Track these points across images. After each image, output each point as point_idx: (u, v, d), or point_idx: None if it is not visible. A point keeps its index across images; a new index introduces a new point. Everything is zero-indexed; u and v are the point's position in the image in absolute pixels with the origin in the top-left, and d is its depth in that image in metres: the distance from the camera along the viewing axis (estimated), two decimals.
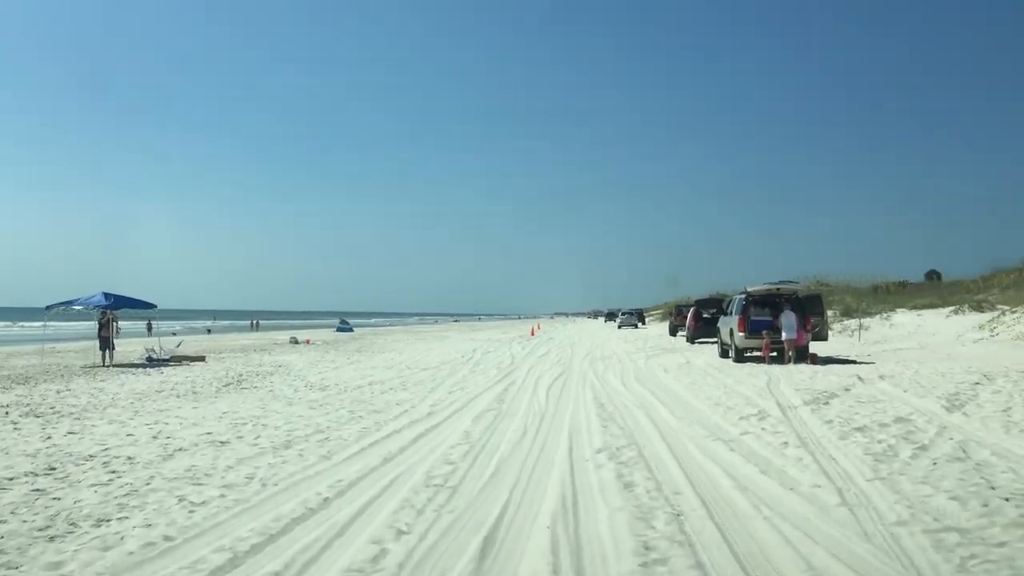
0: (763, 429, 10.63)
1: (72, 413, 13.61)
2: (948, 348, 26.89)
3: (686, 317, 39.55)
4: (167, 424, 12.04)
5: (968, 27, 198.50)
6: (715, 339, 28.80)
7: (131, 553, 5.64)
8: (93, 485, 7.83)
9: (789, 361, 22.32)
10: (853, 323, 37.29)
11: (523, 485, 7.62)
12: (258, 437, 10.63)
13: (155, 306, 30.30)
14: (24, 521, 6.49)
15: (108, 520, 6.51)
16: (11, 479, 8.12)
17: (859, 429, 10.33)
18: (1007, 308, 30.49)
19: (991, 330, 28.48)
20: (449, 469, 8.39)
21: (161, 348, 28.95)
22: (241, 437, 10.65)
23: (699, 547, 5.58)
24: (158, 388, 17.91)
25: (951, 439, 9.40)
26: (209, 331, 76.90)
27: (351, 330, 73.81)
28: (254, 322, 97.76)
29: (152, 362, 26.80)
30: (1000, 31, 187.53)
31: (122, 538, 6.00)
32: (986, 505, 6.34)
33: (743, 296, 24.67)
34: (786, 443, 9.53)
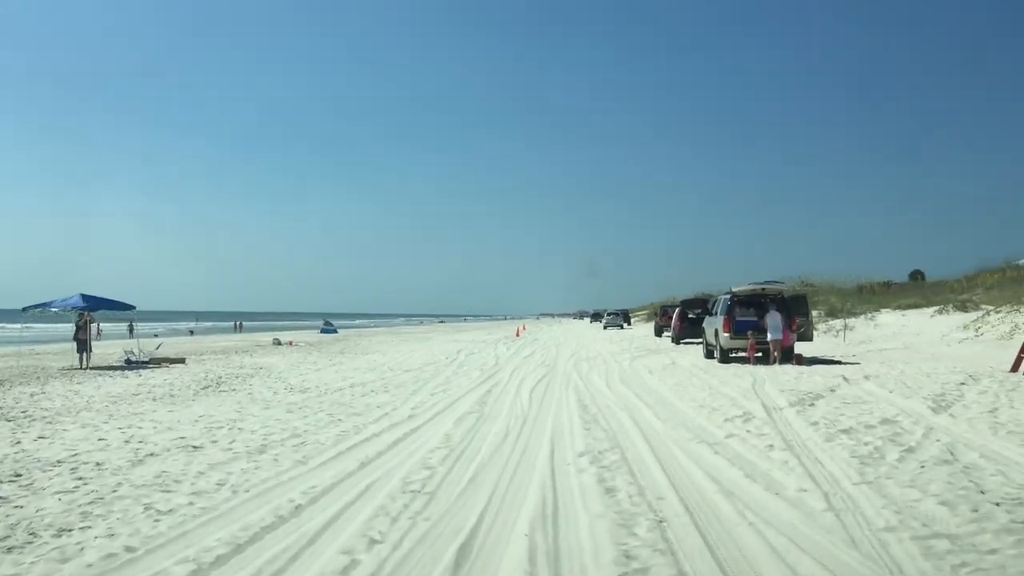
0: (748, 431, 10.47)
1: (45, 417, 13.31)
2: (933, 348, 26.90)
3: (671, 318, 39.45)
4: (140, 428, 11.77)
5: (966, 27, 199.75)
6: (700, 340, 28.70)
7: (90, 566, 5.40)
8: (58, 492, 7.56)
9: (774, 362, 22.21)
10: (838, 323, 37.31)
11: (502, 490, 7.42)
12: (233, 441, 10.37)
13: (134, 307, 29.88)
14: None
15: (70, 530, 6.26)
16: None
17: (845, 431, 10.18)
18: (991, 308, 30.53)
19: (976, 330, 28.50)
20: (427, 474, 8.17)
21: (140, 350, 28.56)
22: (215, 441, 10.39)
23: (681, 556, 5.40)
24: (134, 391, 17.59)
25: (938, 441, 9.26)
26: (191, 332, 76.34)
27: (335, 331, 73.38)
28: (237, 323, 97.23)
29: (131, 364, 26.43)
30: (997, 30, 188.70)
31: (82, 549, 5.75)
32: (976, 510, 6.18)
33: (728, 296, 24.56)
34: (771, 446, 9.37)
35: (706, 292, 44.92)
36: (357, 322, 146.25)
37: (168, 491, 7.56)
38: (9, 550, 5.76)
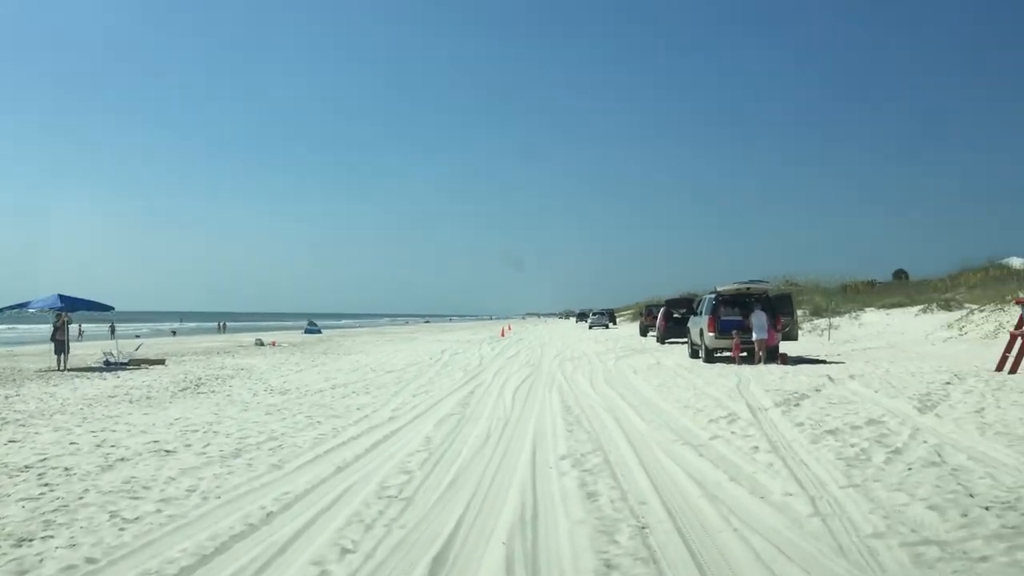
0: (733, 433, 10.30)
1: (17, 420, 13.02)
2: (917, 347, 26.88)
3: (656, 317, 39.32)
4: (114, 432, 11.49)
5: (964, 27, 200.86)
6: (685, 339, 28.59)
7: None
8: (22, 500, 7.30)
9: (759, 361, 22.10)
10: (823, 322, 37.31)
11: (481, 495, 7.22)
12: (207, 445, 10.12)
13: (112, 308, 29.51)
14: None
15: (31, 540, 6.01)
16: None
17: (831, 432, 10.03)
18: (975, 307, 30.56)
19: (960, 329, 28.51)
20: (404, 479, 7.96)
21: (119, 351, 28.19)
22: (189, 446, 10.14)
23: (664, 564, 5.22)
24: (111, 393, 17.28)
25: (925, 442, 9.12)
26: (174, 333, 75.79)
27: (319, 332, 73.06)
28: (221, 324, 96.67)
29: (109, 366, 26.07)
30: (998, 30, 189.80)
31: (41, 560, 5.51)
32: (965, 515, 6.02)
33: (713, 296, 24.43)
34: (756, 447, 9.21)
35: (691, 292, 44.82)
36: (342, 322, 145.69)
37: (136, 498, 7.32)
38: None
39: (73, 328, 54.78)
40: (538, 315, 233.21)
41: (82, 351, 33.76)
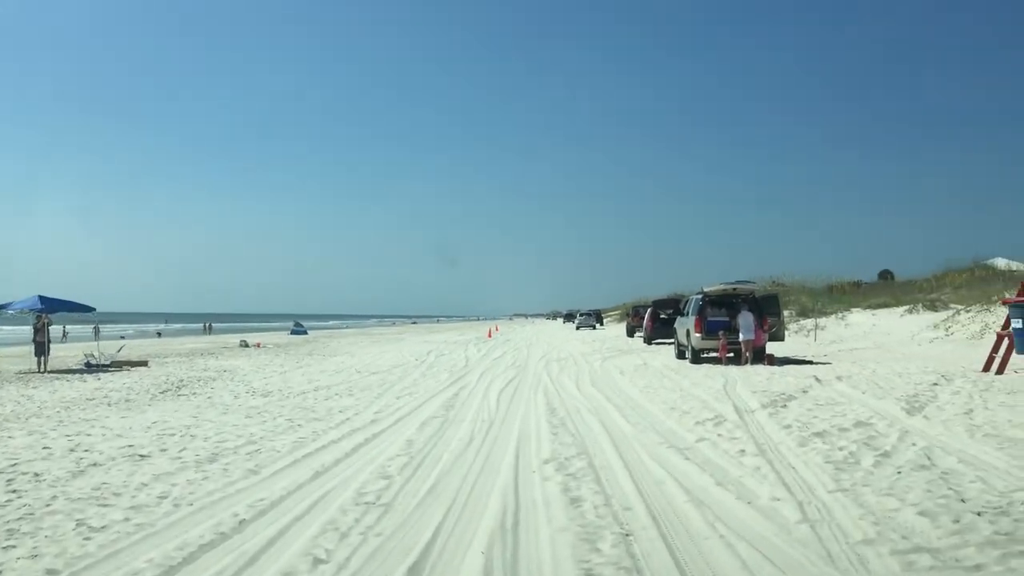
0: (719, 435, 10.14)
1: None
2: (903, 348, 26.83)
3: (643, 318, 39.19)
4: (89, 436, 11.24)
5: (962, 25, 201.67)
6: (672, 340, 28.46)
7: None
8: None
9: (746, 362, 21.98)
10: (809, 323, 37.26)
11: (461, 502, 7.03)
12: (183, 450, 9.88)
13: (93, 309, 29.14)
14: None
15: None
16: None
17: (818, 434, 9.88)
18: (961, 307, 30.55)
19: (946, 329, 28.47)
20: (383, 484, 7.75)
21: (101, 353, 27.84)
22: (165, 450, 9.90)
23: (648, 574, 5.04)
24: (90, 396, 17.00)
25: (914, 445, 8.98)
26: (159, 334, 75.18)
27: (305, 333, 72.70)
28: (207, 325, 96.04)
29: (91, 367, 25.73)
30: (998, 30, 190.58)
31: (0, 572, 5.29)
32: (957, 521, 5.86)
33: (700, 296, 24.29)
34: (743, 451, 9.04)
35: (678, 292, 44.71)
36: (330, 323, 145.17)
37: (105, 505, 7.09)
38: None
39: (58, 329, 54.42)
40: (525, 316, 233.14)
41: (63, 352, 33.40)
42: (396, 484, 7.76)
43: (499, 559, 5.38)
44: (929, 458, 8.20)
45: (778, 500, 6.75)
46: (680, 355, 25.29)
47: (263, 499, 7.22)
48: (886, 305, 36.66)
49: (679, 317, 27.30)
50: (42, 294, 26.12)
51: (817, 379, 16.57)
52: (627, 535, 5.86)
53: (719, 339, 22.70)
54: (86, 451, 9.95)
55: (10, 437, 11.24)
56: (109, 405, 15.19)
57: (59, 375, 23.26)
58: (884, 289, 43.06)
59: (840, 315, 37.71)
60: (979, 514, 6.00)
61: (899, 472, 7.63)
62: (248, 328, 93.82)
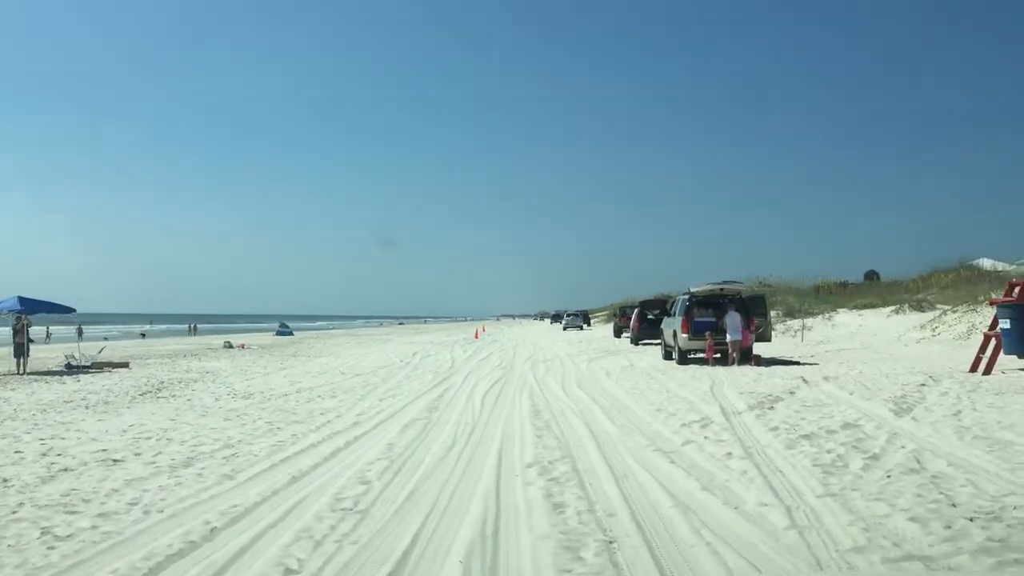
0: (706, 438, 9.98)
1: None
2: (890, 348, 26.79)
3: (630, 319, 39.06)
4: (63, 439, 10.98)
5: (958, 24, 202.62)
6: (659, 341, 28.33)
7: None
8: None
9: (733, 363, 21.85)
10: (796, 323, 37.22)
11: (441, 508, 6.83)
12: (158, 454, 9.65)
13: (73, 310, 28.79)
14: None
15: None
16: None
17: (806, 437, 9.72)
18: (947, 308, 30.55)
19: (932, 330, 28.45)
20: (362, 490, 7.54)
21: (82, 354, 27.48)
22: (139, 454, 9.66)
23: None
24: (68, 398, 16.71)
25: (903, 447, 8.83)
26: (143, 336, 74.59)
27: (291, 334, 72.26)
28: (192, 326, 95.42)
29: (71, 369, 25.37)
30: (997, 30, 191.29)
31: None
32: (949, 527, 5.69)
33: (687, 297, 24.15)
34: (730, 454, 8.88)
35: (665, 293, 44.63)
36: (316, 324, 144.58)
37: (73, 512, 6.85)
38: None
39: (41, 330, 53.84)
40: (513, 316, 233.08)
41: (44, 354, 32.98)
42: (375, 489, 7.56)
43: (478, 568, 5.19)
44: (919, 461, 8.06)
45: (765, 505, 6.58)
46: (667, 356, 25.15)
47: (236, 505, 7.00)
48: (873, 306, 36.67)
49: (666, 318, 27.17)
50: (21, 295, 25.78)
51: (804, 380, 16.45)
52: (611, 542, 5.68)
53: (706, 340, 22.56)
54: (59, 455, 9.71)
55: None
56: (87, 408, 14.91)
57: (38, 377, 22.92)
58: (870, 289, 43.08)
59: (827, 315, 37.70)
60: (971, 520, 5.84)
61: (888, 476, 7.48)
62: (234, 329, 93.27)
